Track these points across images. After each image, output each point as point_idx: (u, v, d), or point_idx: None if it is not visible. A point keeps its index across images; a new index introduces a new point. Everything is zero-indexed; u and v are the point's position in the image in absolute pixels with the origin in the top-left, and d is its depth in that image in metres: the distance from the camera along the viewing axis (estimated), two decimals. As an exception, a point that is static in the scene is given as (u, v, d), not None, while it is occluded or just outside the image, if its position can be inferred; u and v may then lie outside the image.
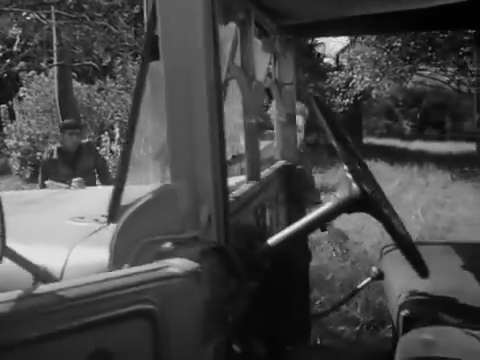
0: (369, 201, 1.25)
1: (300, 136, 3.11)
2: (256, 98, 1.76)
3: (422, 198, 8.21)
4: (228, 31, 1.82)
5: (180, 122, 1.07)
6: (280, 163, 2.41)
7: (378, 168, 9.86)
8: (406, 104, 24.40)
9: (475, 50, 2.57)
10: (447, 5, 2.23)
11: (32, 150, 10.89)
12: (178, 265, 0.99)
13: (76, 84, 11.45)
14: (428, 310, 1.71)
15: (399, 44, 11.58)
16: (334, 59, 17.45)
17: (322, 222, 1.39)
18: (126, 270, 1.00)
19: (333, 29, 2.45)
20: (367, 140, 17.71)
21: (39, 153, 9.91)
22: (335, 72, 14.04)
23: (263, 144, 2.86)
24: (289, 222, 1.94)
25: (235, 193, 1.54)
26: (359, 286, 1.90)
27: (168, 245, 1.07)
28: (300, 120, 3.05)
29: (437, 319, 1.66)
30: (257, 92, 1.77)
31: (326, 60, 17.78)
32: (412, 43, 11.57)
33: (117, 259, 1.03)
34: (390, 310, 1.94)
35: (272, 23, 2.13)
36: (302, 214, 2.46)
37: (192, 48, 1.04)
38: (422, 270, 1.38)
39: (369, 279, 1.88)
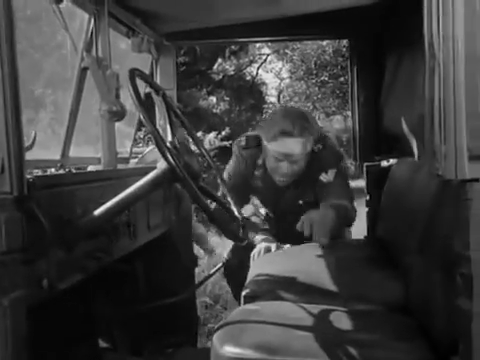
0: (176, 175, 1.27)
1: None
2: (110, 87, 1.83)
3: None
4: (83, 22, 1.90)
5: None
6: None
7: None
8: (349, 144, 25.01)
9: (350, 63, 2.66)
10: (320, 13, 2.37)
11: None
12: None
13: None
14: (267, 289, 1.77)
15: (327, 78, 12.01)
16: (276, 97, 17.98)
17: (141, 195, 1.40)
18: None
19: (208, 36, 2.56)
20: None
21: None
22: (270, 105, 14.39)
23: (148, 148, 2.91)
24: (148, 222, 1.95)
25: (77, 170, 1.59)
26: (211, 271, 1.95)
27: None
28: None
29: (275, 296, 1.73)
30: (111, 81, 1.83)
31: (272, 99, 18.22)
32: (342, 79, 12.07)
33: None
34: None
35: (143, 25, 2.22)
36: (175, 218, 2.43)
37: None
38: (238, 239, 1.43)
39: (221, 264, 1.94)
